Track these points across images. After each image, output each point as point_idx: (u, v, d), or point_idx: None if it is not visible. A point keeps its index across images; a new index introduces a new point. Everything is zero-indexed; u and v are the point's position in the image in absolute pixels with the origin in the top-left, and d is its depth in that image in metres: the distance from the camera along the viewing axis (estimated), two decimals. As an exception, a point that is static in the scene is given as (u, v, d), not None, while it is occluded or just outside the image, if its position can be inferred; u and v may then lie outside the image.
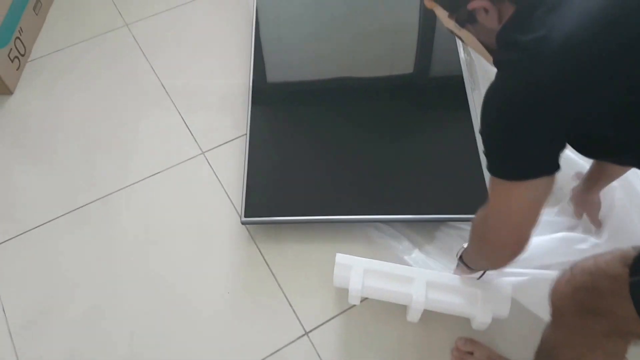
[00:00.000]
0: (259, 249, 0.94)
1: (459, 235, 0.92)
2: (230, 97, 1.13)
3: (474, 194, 0.94)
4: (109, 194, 1.01)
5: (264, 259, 0.93)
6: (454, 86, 1.09)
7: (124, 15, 1.29)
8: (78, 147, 1.07)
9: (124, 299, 0.90)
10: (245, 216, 0.93)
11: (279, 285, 0.91)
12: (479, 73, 1.14)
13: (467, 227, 0.92)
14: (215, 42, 1.23)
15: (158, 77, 1.17)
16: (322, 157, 1.00)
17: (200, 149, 1.06)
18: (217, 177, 1.03)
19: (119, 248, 0.95)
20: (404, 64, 1.15)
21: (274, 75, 1.13)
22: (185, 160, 1.05)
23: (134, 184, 1.02)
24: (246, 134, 1.02)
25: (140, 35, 1.25)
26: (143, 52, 1.22)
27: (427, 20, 1.21)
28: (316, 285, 0.90)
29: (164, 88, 1.15)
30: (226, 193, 1.01)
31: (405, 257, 0.90)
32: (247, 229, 0.96)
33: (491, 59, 0.59)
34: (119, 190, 1.01)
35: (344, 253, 0.83)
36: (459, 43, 1.15)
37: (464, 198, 0.94)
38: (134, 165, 1.04)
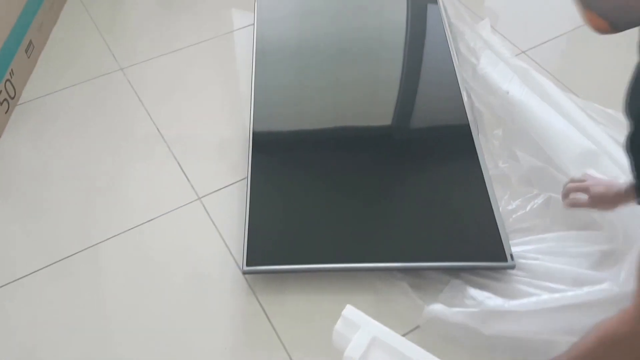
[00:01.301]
0: (259, 301, 0.89)
1: (470, 284, 0.88)
2: (228, 141, 1.11)
3: (486, 241, 0.91)
4: (97, 243, 0.96)
5: (265, 312, 0.88)
6: (459, 129, 1.09)
7: (118, 59, 1.29)
8: (67, 194, 1.03)
9: (114, 356, 0.83)
10: (247, 265, 0.89)
11: (280, 340, 0.85)
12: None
13: (478, 278, 0.89)
14: (213, 87, 1.22)
15: (153, 122, 1.15)
16: (328, 203, 0.97)
17: (197, 194, 1.03)
18: (214, 224, 0.99)
19: (109, 301, 0.90)
20: (407, 109, 1.15)
21: (275, 119, 1.11)
22: (180, 207, 1.01)
23: (124, 232, 0.97)
24: (247, 178, 0.99)
25: (135, 79, 1.24)
26: (138, 97, 1.20)
27: (429, 66, 1.22)
28: (320, 342, 0.84)
29: (159, 132, 1.13)
30: (223, 241, 0.96)
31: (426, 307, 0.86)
32: (247, 280, 0.92)
33: None
34: (108, 239, 0.97)
35: (351, 303, 0.78)
36: (462, 86, 1.16)
37: (476, 245, 0.91)
38: (125, 212, 1.00)
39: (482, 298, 0.85)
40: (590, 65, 1.27)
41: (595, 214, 0.95)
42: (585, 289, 0.81)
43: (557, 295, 0.81)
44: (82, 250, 0.95)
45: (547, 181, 1.02)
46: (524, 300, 0.82)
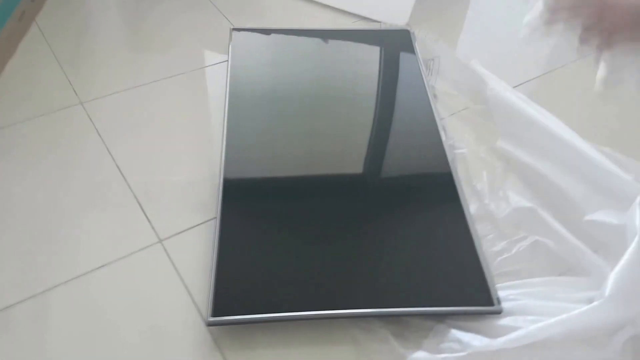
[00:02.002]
0: (224, 358, 0.81)
1: (455, 328, 0.83)
2: (194, 181, 1.04)
3: (470, 284, 0.86)
4: (41, 292, 0.87)
5: (231, 370, 0.80)
6: (438, 170, 1.06)
7: (78, 92, 1.22)
8: (11, 236, 0.94)
9: None
10: (213, 315, 0.80)
11: (248, 403, 0.76)
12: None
13: (463, 321, 0.83)
14: (180, 125, 1.17)
15: (113, 159, 1.08)
16: (303, 248, 0.91)
17: (158, 236, 0.95)
18: (176, 269, 0.91)
19: (55, 354, 0.79)
20: (382, 151, 1.12)
21: (247, 160, 1.06)
22: (138, 251, 0.93)
23: (72, 279, 0.88)
24: (216, 218, 0.93)
25: (96, 114, 1.18)
26: (98, 132, 1.14)
27: (404, 107, 1.20)
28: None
29: (119, 170, 1.06)
30: (186, 289, 0.88)
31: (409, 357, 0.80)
32: (211, 333, 0.83)
33: None
34: (54, 287, 0.87)
35: (327, 357, 0.71)
36: (440, 126, 1.14)
37: (460, 289, 0.86)
38: (75, 257, 0.91)
39: (468, 339, 0.80)
40: (578, 102, 1.27)
41: (584, 260, 0.92)
42: (576, 312, 0.77)
43: (545, 323, 0.77)
44: (24, 301, 0.86)
45: (535, 223, 0.99)
46: (512, 336, 0.77)
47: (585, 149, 1.03)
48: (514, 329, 0.81)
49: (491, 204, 1.03)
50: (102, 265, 0.91)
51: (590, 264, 0.92)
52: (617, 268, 0.81)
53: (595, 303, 0.79)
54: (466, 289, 0.86)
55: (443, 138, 1.12)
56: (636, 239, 0.83)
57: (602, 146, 1.08)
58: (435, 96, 1.27)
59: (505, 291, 0.88)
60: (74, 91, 1.23)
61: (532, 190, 1.06)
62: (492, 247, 0.96)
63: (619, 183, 0.97)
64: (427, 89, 1.23)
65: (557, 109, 1.24)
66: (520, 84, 1.33)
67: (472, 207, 1.02)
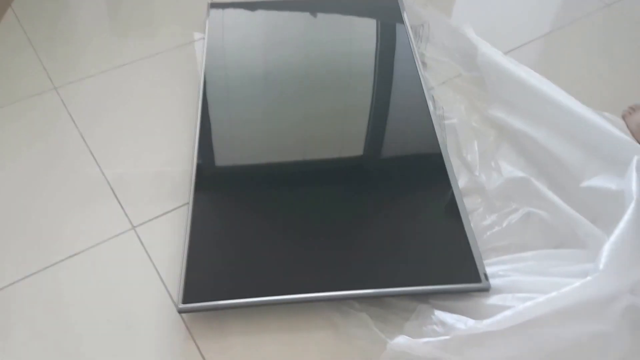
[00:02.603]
0: (197, 346, 0.79)
1: (439, 308, 0.79)
2: (169, 166, 1.02)
3: (457, 261, 0.82)
4: (10, 284, 0.86)
5: (203, 358, 0.78)
6: (424, 143, 1.02)
7: (53, 77, 1.20)
8: (-19, 228, 0.93)
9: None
10: (184, 301, 0.78)
11: (222, 391, 0.75)
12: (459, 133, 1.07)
13: (448, 301, 0.80)
14: (155, 107, 1.14)
15: (86, 143, 1.06)
16: (278, 229, 0.88)
17: (131, 223, 0.93)
18: (149, 256, 0.89)
19: (20, 350, 0.78)
20: (365, 126, 1.07)
21: (222, 142, 1.03)
22: (111, 238, 0.91)
23: (43, 269, 0.87)
24: (189, 203, 0.90)
25: (69, 99, 1.15)
26: (71, 117, 1.11)
27: (390, 80, 1.15)
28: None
29: (92, 155, 1.04)
30: (159, 276, 0.86)
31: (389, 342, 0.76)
32: (184, 320, 0.81)
33: None
34: (23, 278, 0.86)
35: (305, 342, 0.68)
36: (429, 99, 1.09)
37: (445, 266, 0.83)
38: (45, 246, 0.90)
39: (452, 321, 0.76)
40: (570, 67, 1.22)
41: (580, 230, 0.87)
42: (567, 288, 0.72)
43: (534, 302, 0.72)
44: (-7, 293, 0.85)
45: (527, 194, 0.95)
46: (499, 317, 0.72)
47: (580, 112, 0.98)
48: (502, 308, 0.76)
49: (482, 175, 0.99)
50: (74, 254, 0.89)
51: (587, 235, 0.87)
52: (612, 239, 0.76)
53: (588, 278, 0.74)
54: (452, 266, 0.82)
55: (431, 109, 1.07)
56: (631, 206, 0.78)
57: (601, 111, 1.03)
58: (424, 64, 1.22)
59: (494, 267, 0.85)
60: (48, 76, 1.21)
61: (525, 158, 1.02)
62: (482, 221, 0.92)
63: (617, 145, 0.91)
64: (415, 57, 1.18)
65: (555, 72, 1.19)
66: (516, 48, 1.27)
67: (461, 180, 0.98)
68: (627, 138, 0.90)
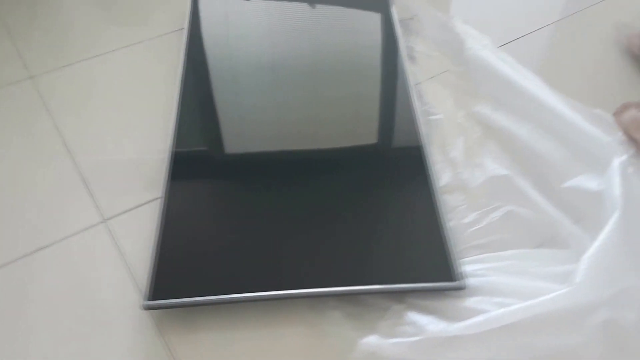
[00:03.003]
0: (165, 343, 0.78)
1: (414, 309, 0.79)
2: (145, 158, 1.01)
3: (432, 259, 0.82)
4: (-22, 277, 0.85)
5: (172, 356, 0.77)
6: (404, 137, 1.01)
7: (29, 66, 1.19)
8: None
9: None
10: (151, 298, 0.78)
11: (189, 389, 0.74)
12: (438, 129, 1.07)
13: (424, 301, 0.79)
14: (134, 97, 1.12)
15: (60, 134, 1.05)
16: (252, 226, 0.87)
17: (102, 216, 0.92)
18: (119, 251, 0.88)
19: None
20: (343, 120, 1.06)
21: (199, 134, 1.02)
22: (80, 231, 0.90)
23: (7, 264, 0.86)
24: (162, 196, 0.89)
25: (45, 88, 1.14)
26: (46, 107, 1.10)
27: (372, 72, 1.14)
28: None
29: (65, 146, 1.03)
30: (129, 271, 0.86)
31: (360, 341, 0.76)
32: (153, 317, 0.80)
33: None
34: (-8, 271, 0.85)
35: (277, 339, 0.69)
36: (412, 92, 1.08)
37: (420, 264, 0.82)
38: (11, 239, 0.89)
39: (424, 323, 0.76)
40: (567, 61, 1.21)
41: (563, 231, 0.87)
42: (541, 299, 0.72)
43: (507, 309, 0.72)
44: (-43, 286, 0.84)
45: (510, 192, 0.94)
46: (471, 322, 0.73)
47: (564, 110, 0.97)
48: (477, 311, 0.76)
49: (464, 172, 0.98)
50: (42, 247, 0.88)
51: (568, 235, 0.87)
52: (591, 250, 0.76)
53: (564, 290, 0.74)
54: (427, 265, 0.82)
55: (414, 104, 1.06)
56: (614, 217, 0.77)
57: (593, 108, 1.02)
58: (413, 58, 1.21)
59: (472, 265, 0.84)
60: (24, 65, 1.19)
61: (510, 156, 1.01)
62: (463, 218, 0.92)
63: (599, 146, 0.91)
64: (401, 51, 1.17)
65: (550, 66, 1.18)
66: (513, 40, 1.26)
67: (445, 177, 0.98)
68: (609, 138, 0.90)
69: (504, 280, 0.81)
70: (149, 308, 0.78)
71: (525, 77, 1.06)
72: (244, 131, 1.02)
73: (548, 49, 1.26)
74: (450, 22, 1.22)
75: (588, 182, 0.89)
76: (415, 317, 0.77)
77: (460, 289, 0.79)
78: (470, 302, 0.79)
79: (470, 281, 0.81)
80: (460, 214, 0.92)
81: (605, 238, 0.77)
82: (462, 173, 0.98)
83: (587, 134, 0.92)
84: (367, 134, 1.02)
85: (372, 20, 1.26)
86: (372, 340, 0.73)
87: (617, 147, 0.89)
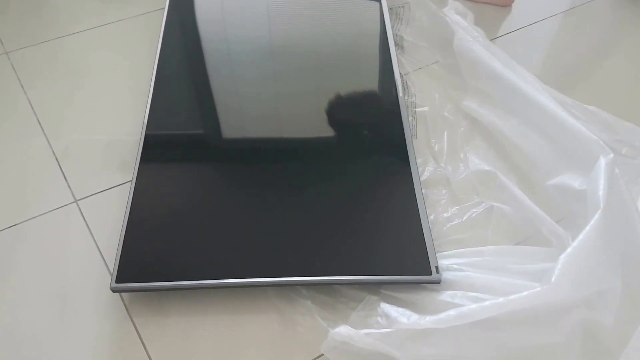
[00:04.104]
0: (134, 324, 0.81)
1: (388, 300, 0.82)
2: (120, 139, 1.03)
3: (408, 252, 0.85)
4: (-57, 253, 0.87)
5: (140, 339, 0.80)
6: (388, 128, 1.03)
7: (4, 41, 1.21)
8: None
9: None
10: (117, 281, 0.80)
11: (155, 372, 0.77)
12: (420, 117, 1.10)
13: (399, 293, 0.82)
14: (111, 77, 1.15)
15: (34, 112, 1.07)
16: (224, 212, 0.90)
17: (74, 196, 0.94)
18: (90, 232, 0.90)
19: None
20: (324, 106, 1.08)
21: (174, 117, 1.04)
22: (51, 210, 0.92)
23: (-21, 240, 0.88)
24: (132, 180, 0.92)
25: (20, 65, 1.16)
26: (21, 84, 1.12)
27: (359, 63, 1.17)
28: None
29: (40, 124, 1.05)
30: (99, 252, 0.88)
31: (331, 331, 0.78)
32: (122, 298, 0.83)
33: None
34: (-43, 248, 0.87)
35: (247, 326, 0.72)
36: (399, 83, 1.11)
37: (396, 256, 0.85)
38: (-16, 217, 0.91)
39: (396, 315, 0.78)
40: (560, 54, 1.24)
41: (544, 228, 0.90)
42: (514, 296, 0.74)
43: (479, 305, 0.74)
44: None
45: (492, 188, 0.98)
46: (443, 315, 0.74)
47: (552, 108, 1.00)
48: (451, 305, 0.79)
49: (447, 166, 1.01)
50: (11, 226, 0.90)
51: (550, 234, 0.90)
52: (568, 250, 0.77)
53: (538, 288, 0.76)
54: (403, 257, 0.84)
55: (400, 95, 1.09)
56: (595, 216, 0.80)
57: (588, 104, 1.06)
58: (402, 47, 1.24)
59: (449, 260, 0.87)
60: (0, 40, 1.21)
61: (495, 152, 1.04)
62: (443, 212, 0.95)
63: (585, 144, 0.94)
64: (390, 41, 1.20)
65: (545, 60, 1.21)
66: (512, 32, 1.29)
67: (427, 170, 1.01)
68: (595, 137, 0.93)
69: (480, 275, 0.84)
70: (116, 290, 0.80)
71: (516, 71, 1.08)
72: (219, 114, 1.04)
73: (550, 42, 1.29)
74: (441, 12, 1.25)
75: (572, 180, 0.92)
76: (388, 309, 0.79)
77: (435, 282, 0.82)
78: (445, 296, 0.82)
79: (447, 275, 0.84)
80: (441, 208, 0.95)
81: (584, 238, 0.78)
82: (445, 167, 1.01)
83: (574, 132, 0.95)
84: (348, 124, 1.05)
85: (360, 7, 1.29)
86: (342, 331, 0.75)
87: (604, 146, 0.91)
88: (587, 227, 0.80)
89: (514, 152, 1.03)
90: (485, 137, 1.07)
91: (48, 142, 1.02)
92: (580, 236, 0.79)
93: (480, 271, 0.85)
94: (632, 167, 0.99)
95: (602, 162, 0.88)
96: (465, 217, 0.94)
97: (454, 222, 0.94)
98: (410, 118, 1.09)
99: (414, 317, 0.78)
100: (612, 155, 0.89)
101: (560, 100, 1.08)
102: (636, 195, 0.92)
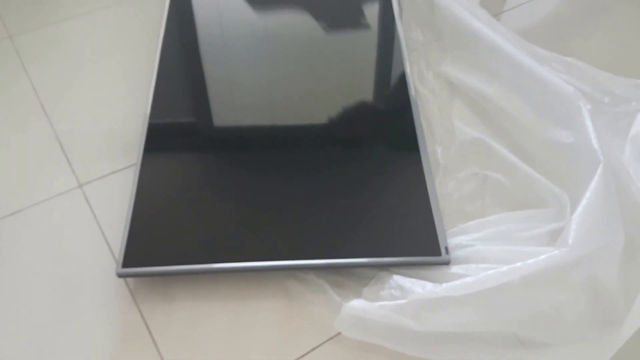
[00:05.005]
0: (140, 311, 0.79)
1: (399, 274, 0.80)
2: (124, 122, 1.01)
3: (418, 233, 0.82)
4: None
5: (146, 325, 0.78)
6: (396, 106, 1.00)
7: (8, 25, 1.18)
8: None
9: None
10: (123, 266, 0.79)
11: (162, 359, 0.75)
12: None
13: (409, 270, 0.80)
14: (115, 60, 1.12)
15: (37, 96, 1.05)
16: (232, 195, 0.87)
17: (78, 180, 0.93)
18: (95, 216, 0.88)
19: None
20: (330, 88, 1.05)
21: (178, 100, 1.01)
22: (56, 196, 0.91)
23: (-17, 227, 0.87)
24: (137, 163, 0.90)
25: (24, 48, 1.14)
26: (24, 68, 1.10)
27: (367, 38, 1.13)
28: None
29: (43, 108, 1.03)
30: (104, 237, 0.86)
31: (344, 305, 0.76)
32: (127, 285, 0.82)
33: None
34: (-37, 234, 0.86)
35: (255, 311, 0.71)
36: (406, 61, 1.07)
37: (405, 238, 0.82)
38: (-11, 202, 0.90)
39: (410, 285, 0.76)
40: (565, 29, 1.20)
41: (540, 190, 0.87)
42: (532, 260, 0.72)
43: (496, 271, 0.72)
44: None
45: (484, 156, 0.94)
46: (459, 282, 0.72)
47: (529, 63, 0.94)
48: (464, 276, 0.77)
49: (439, 140, 0.97)
50: (17, 211, 0.89)
51: (547, 193, 0.86)
52: (579, 209, 0.74)
53: (556, 251, 0.74)
54: (413, 239, 0.82)
55: (407, 73, 1.05)
56: (598, 172, 0.76)
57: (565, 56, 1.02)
58: (400, 15, 1.19)
59: (456, 238, 0.84)
60: (3, 24, 1.19)
61: (479, 118, 0.99)
62: (442, 188, 0.91)
63: (564, 97, 0.89)
64: (396, 16, 1.16)
65: (548, 34, 1.17)
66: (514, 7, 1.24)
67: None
68: (572, 88, 0.88)
69: (489, 248, 0.81)
70: (122, 275, 0.78)
71: (495, 29, 1.02)
72: (224, 101, 1.01)
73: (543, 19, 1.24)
74: None
75: (559, 135, 0.88)
76: (401, 281, 0.77)
77: (445, 263, 0.79)
78: (457, 268, 0.79)
79: (456, 253, 0.81)
80: (439, 185, 0.92)
81: (592, 195, 0.76)
82: (437, 141, 0.97)
83: (552, 86, 0.90)
84: (356, 106, 1.02)
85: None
86: (356, 304, 0.73)
87: (582, 96, 0.87)
88: (593, 184, 0.76)
89: (497, 116, 0.97)
90: (467, 103, 1.01)
91: (51, 126, 1.00)
92: (588, 193, 0.76)
93: (488, 244, 0.82)
94: (615, 115, 0.96)
95: (585, 113, 0.84)
96: (464, 191, 0.91)
97: (454, 197, 0.90)
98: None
99: (429, 285, 0.75)
100: (590, 105, 0.85)
101: (538, 54, 1.03)
102: (622, 144, 0.90)
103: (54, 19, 1.20)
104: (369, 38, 1.13)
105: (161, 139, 0.94)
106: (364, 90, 1.04)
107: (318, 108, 1.00)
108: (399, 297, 0.76)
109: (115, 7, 1.22)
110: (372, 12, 1.18)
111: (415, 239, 0.82)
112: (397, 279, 0.78)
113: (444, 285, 0.74)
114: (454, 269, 0.79)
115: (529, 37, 1.08)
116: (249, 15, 1.16)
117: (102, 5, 1.22)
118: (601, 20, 1.23)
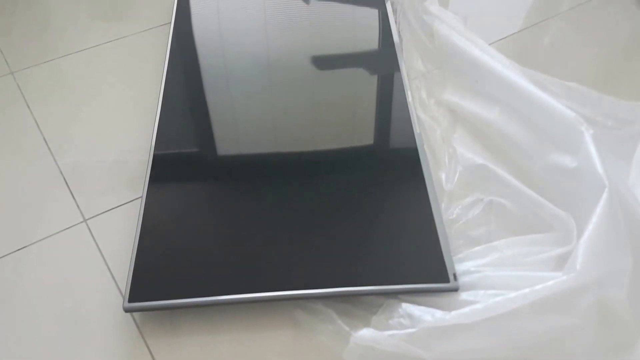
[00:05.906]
0: (147, 346, 0.78)
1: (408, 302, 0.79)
2: (127, 156, 1.00)
3: (426, 259, 0.82)
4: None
5: (153, 359, 0.77)
6: (399, 134, 1.01)
7: (10, 61, 1.19)
8: None
9: None
10: (130, 300, 0.78)
11: (171, 395, 0.74)
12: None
13: (418, 297, 0.79)
14: (116, 94, 1.12)
15: (40, 131, 1.05)
16: (237, 226, 0.87)
17: (82, 215, 0.92)
18: (100, 251, 0.88)
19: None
20: (334, 116, 1.06)
21: (182, 133, 1.02)
22: (60, 231, 0.90)
23: (-12, 263, 0.86)
24: (142, 196, 0.89)
25: (26, 84, 1.14)
26: (27, 103, 1.10)
27: (367, 64, 1.15)
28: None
29: (46, 144, 1.03)
30: (110, 272, 0.85)
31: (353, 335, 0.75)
32: (134, 319, 0.81)
33: None
34: (-32, 272, 0.85)
35: (263, 342, 0.70)
36: (406, 87, 1.08)
37: (413, 265, 0.82)
38: (-6, 239, 0.89)
39: (419, 313, 0.75)
40: (562, 57, 1.21)
41: (544, 214, 0.87)
42: (540, 286, 0.71)
43: (505, 297, 0.72)
44: None
45: (487, 181, 0.94)
46: (468, 309, 0.71)
47: (529, 88, 0.95)
48: (473, 303, 0.76)
49: (443, 166, 0.98)
50: (23, 247, 0.88)
51: (552, 218, 0.86)
52: (586, 234, 0.75)
53: (564, 277, 0.74)
54: (420, 265, 0.81)
55: (408, 100, 1.06)
56: (604, 196, 0.77)
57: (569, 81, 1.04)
58: (401, 45, 1.20)
59: (464, 264, 0.83)
60: (5, 60, 1.20)
61: (481, 144, 0.99)
62: (447, 215, 0.91)
63: (566, 122, 0.89)
64: (396, 42, 1.17)
65: (547, 62, 1.18)
66: (508, 36, 1.26)
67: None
68: (573, 114, 0.89)
69: (497, 274, 0.81)
70: (129, 310, 0.77)
71: (494, 57, 1.04)
72: (228, 131, 1.02)
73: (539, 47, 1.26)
74: (423, 5, 1.21)
75: (562, 160, 0.88)
76: (410, 309, 0.76)
77: (453, 290, 0.79)
78: (465, 295, 0.78)
79: (464, 279, 0.81)
80: (445, 211, 0.92)
81: (598, 220, 0.76)
82: (441, 168, 0.98)
83: (553, 111, 0.91)
84: (359, 131, 1.02)
85: (369, 12, 1.27)
86: (366, 334, 0.72)
87: (583, 122, 0.87)
88: (599, 208, 0.77)
89: (499, 141, 0.98)
90: (469, 130, 1.02)
91: (55, 161, 1.00)
92: (594, 218, 0.76)
93: (495, 269, 0.82)
94: (618, 138, 0.97)
95: (588, 138, 0.84)
96: (469, 216, 0.91)
97: (460, 223, 0.90)
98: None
99: (438, 313, 0.74)
100: (592, 130, 0.85)
101: (539, 81, 1.04)
102: (627, 167, 0.90)
103: (56, 54, 1.21)
104: (371, 68, 1.14)
105: (166, 170, 0.94)
106: (367, 119, 1.04)
107: (321, 137, 1.01)
108: (408, 326, 0.75)
109: (116, 41, 1.23)
110: (373, 43, 1.20)
111: (424, 265, 0.81)
112: (406, 307, 0.78)
113: (453, 312, 0.73)
114: (463, 295, 0.79)
115: (525, 64, 1.09)
116: (252, 45, 1.17)
117: (104, 40, 1.23)
118: (598, 44, 1.25)
